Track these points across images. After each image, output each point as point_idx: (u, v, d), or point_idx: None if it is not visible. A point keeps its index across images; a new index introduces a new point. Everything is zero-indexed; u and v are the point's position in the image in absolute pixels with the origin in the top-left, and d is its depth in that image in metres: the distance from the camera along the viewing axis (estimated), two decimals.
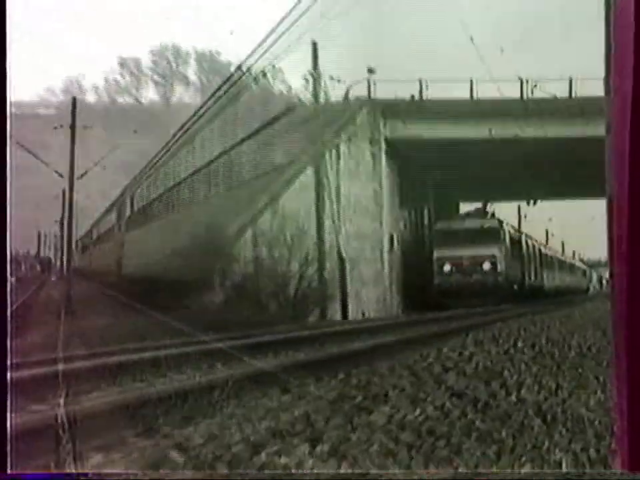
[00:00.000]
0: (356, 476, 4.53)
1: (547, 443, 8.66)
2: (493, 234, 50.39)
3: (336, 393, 10.35)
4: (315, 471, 4.61)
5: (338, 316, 39.77)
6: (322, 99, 43.89)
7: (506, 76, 49.07)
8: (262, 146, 32.72)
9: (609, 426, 8.48)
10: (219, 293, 30.71)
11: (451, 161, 47.09)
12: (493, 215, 53.16)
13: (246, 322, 25.74)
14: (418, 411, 9.54)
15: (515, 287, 52.18)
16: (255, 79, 43.09)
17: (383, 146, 39.97)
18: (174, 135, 34.80)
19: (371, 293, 42.39)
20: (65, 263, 35.91)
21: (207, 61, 51.60)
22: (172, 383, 12.66)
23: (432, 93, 52.49)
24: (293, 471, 4.60)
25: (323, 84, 44.07)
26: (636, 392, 5.20)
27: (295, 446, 7.44)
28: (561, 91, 53.29)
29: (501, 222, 52.23)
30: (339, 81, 46.16)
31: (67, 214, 36.79)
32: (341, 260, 44.25)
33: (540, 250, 65.53)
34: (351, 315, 41.50)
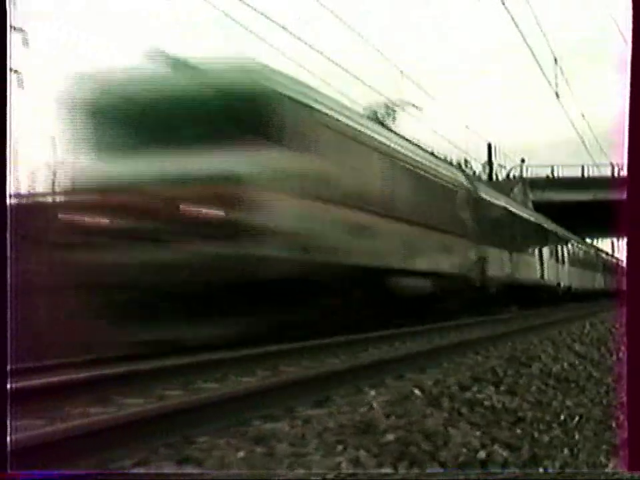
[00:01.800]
0: (364, 476, 4.16)
1: None
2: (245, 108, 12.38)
3: (508, 354, 10.28)
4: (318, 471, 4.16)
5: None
6: (494, 178, 44.01)
7: (603, 163, 48.77)
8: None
9: None
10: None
11: (570, 214, 46.10)
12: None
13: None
14: (557, 366, 9.40)
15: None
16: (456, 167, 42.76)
17: (530, 205, 38.15)
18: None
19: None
20: None
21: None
22: (411, 348, 12.56)
23: (559, 173, 53.02)
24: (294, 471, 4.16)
25: (494, 169, 44.20)
26: (636, 391, 3.81)
27: (486, 387, 7.39)
28: None
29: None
30: (504, 167, 46.25)
31: None
32: None
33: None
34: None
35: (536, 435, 5.84)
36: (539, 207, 46.60)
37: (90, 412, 6.57)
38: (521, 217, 31.89)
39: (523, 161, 50.78)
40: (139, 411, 6.08)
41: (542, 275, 33.47)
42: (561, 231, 40.24)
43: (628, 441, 3.80)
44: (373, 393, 6.95)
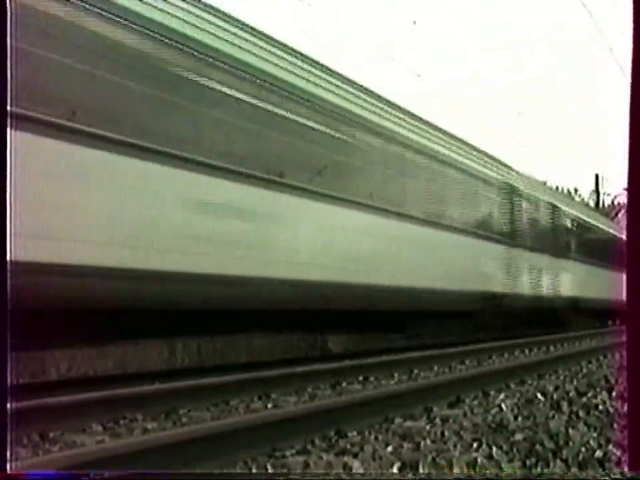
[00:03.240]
0: (365, 476, 4.05)
1: None
2: None
3: (618, 363, 10.03)
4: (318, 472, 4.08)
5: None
6: (600, 204, 42.89)
7: None
8: None
9: None
10: None
11: None
12: None
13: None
14: None
15: None
16: (569, 195, 41.65)
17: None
18: None
19: None
20: None
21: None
22: (530, 357, 12.28)
23: None
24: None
25: (601, 196, 43.11)
26: (636, 392, 3.36)
27: (600, 393, 7.24)
28: None
29: None
30: (608, 194, 44.99)
31: None
32: None
33: None
34: None
35: None
36: None
37: (253, 407, 6.73)
38: None
39: (626, 190, 49.56)
40: (295, 409, 6.19)
41: None
42: None
43: (628, 441, 3.42)
44: (502, 396, 6.89)
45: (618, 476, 4.05)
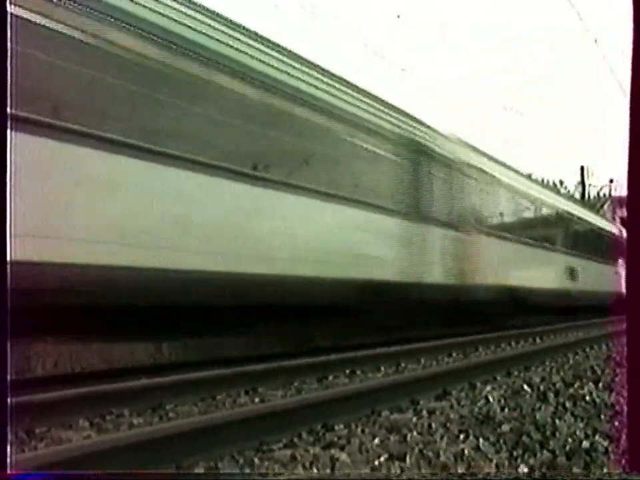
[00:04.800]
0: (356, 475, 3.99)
1: None
2: None
3: (605, 354, 10.04)
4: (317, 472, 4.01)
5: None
6: (585, 196, 42.88)
7: None
8: None
9: None
10: None
11: None
12: None
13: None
14: None
15: None
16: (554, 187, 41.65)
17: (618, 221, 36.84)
18: None
19: None
20: None
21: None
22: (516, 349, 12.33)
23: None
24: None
25: (587, 188, 43.14)
26: (636, 392, 3.38)
27: (587, 384, 7.27)
28: None
29: None
30: (593, 186, 45.05)
31: None
32: None
33: None
34: None
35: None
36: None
37: (240, 402, 6.72)
38: None
39: (611, 181, 49.35)
40: (282, 403, 6.19)
41: None
42: None
43: (628, 441, 3.49)
44: (488, 388, 6.91)
45: (618, 476, 3.98)
